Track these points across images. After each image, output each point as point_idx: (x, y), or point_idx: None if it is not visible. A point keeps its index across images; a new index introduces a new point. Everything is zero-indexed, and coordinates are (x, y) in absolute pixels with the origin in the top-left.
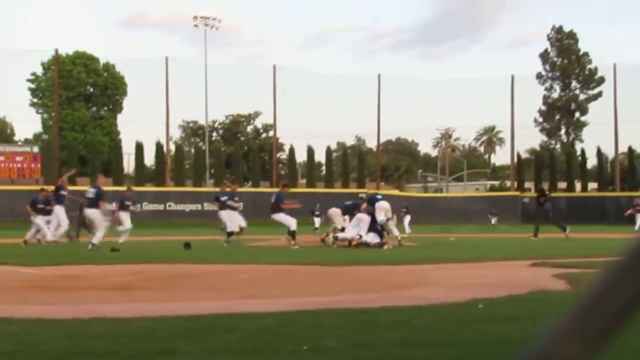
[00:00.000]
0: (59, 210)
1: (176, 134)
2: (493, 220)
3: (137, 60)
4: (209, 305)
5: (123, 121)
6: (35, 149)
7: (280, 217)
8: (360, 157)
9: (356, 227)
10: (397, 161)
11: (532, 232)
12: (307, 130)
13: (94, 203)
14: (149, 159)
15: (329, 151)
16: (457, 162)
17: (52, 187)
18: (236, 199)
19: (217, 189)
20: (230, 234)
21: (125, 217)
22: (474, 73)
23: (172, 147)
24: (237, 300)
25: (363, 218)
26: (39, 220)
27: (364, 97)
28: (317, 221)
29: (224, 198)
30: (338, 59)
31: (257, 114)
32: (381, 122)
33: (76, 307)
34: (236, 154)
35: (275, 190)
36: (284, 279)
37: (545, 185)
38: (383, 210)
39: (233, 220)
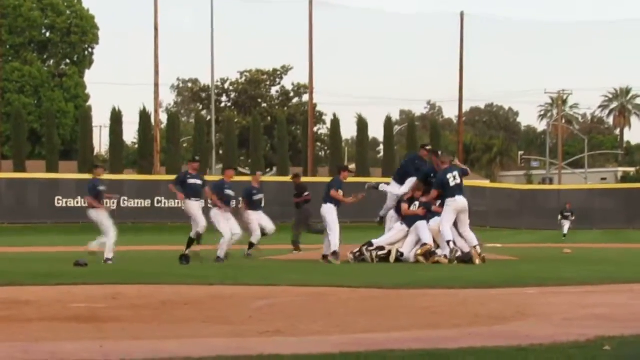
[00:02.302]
0: None
1: (168, 98)
2: (565, 227)
3: None
4: (214, 344)
5: (93, 80)
6: None
7: (326, 212)
8: (435, 132)
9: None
10: (487, 138)
11: None
12: (357, 93)
13: None
14: (130, 134)
15: (389, 123)
16: (574, 140)
17: None
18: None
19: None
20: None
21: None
22: (599, 12)
23: (164, 117)
24: (254, 338)
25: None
26: None
27: (440, 45)
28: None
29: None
30: None
31: (285, 70)
32: (464, 82)
33: (25, 346)
34: (255, 127)
35: (309, 179)
36: (320, 307)
37: None
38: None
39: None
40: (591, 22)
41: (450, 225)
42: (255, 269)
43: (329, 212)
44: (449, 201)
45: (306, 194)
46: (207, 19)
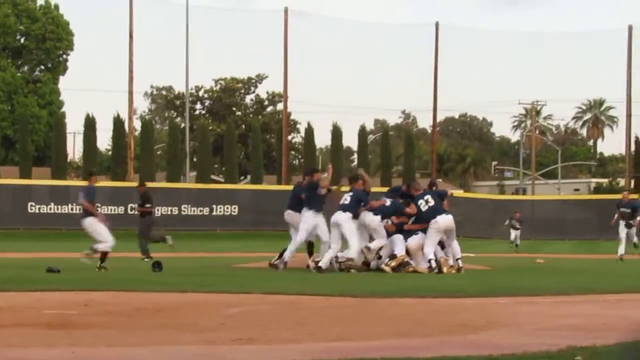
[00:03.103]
0: None
1: (142, 105)
2: (513, 235)
3: None
4: (187, 352)
5: (68, 87)
6: None
7: (343, 221)
8: (409, 141)
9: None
10: (461, 148)
11: None
12: (332, 102)
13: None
14: (104, 141)
15: (363, 133)
16: (548, 151)
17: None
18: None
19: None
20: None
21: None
22: (572, 23)
23: (137, 124)
24: (226, 346)
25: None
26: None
27: (415, 55)
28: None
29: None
30: (378, 1)
31: (260, 79)
32: (439, 92)
33: None
34: (229, 135)
35: (283, 187)
36: (292, 315)
37: None
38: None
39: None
40: (565, 33)
41: (434, 247)
42: (228, 277)
43: (347, 221)
44: (432, 223)
45: (148, 205)
46: (182, 26)
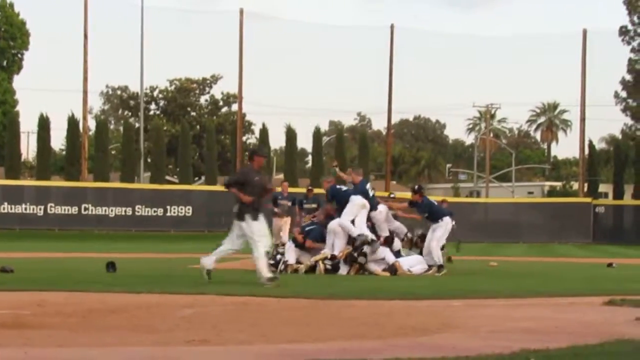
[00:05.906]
0: None
1: (97, 104)
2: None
3: None
4: (140, 353)
5: (22, 86)
6: None
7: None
8: (364, 143)
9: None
10: (415, 150)
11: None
12: (287, 103)
13: None
14: (58, 141)
15: (317, 134)
16: (502, 154)
17: None
18: None
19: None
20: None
21: None
22: (527, 26)
23: (92, 124)
24: (180, 347)
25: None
26: None
27: (370, 58)
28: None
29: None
30: (334, 3)
31: (215, 79)
32: (393, 94)
33: None
34: (184, 136)
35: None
36: (246, 317)
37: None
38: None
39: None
40: (520, 37)
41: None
42: (182, 278)
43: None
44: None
45: None
46: (137, 26)
